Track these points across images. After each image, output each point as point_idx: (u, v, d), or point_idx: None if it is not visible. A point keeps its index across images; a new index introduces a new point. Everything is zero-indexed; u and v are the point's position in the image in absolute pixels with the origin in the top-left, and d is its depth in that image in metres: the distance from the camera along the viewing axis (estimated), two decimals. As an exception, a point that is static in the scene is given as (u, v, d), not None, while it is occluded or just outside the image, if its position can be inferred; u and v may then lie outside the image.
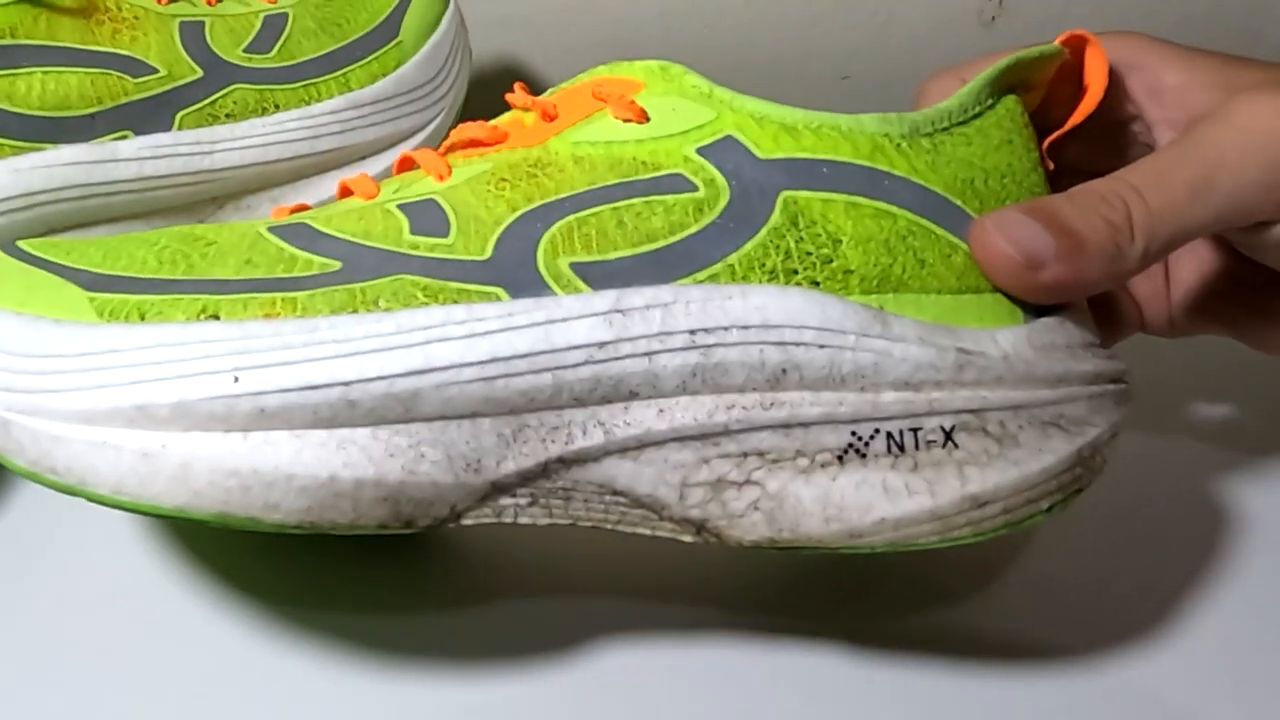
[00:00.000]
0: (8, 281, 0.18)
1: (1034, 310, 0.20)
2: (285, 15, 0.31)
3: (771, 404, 0.18)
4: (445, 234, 0.19)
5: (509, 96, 0.22)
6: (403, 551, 0.24)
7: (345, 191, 0.22)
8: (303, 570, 0.23)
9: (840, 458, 0.18)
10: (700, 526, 0.19)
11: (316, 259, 0.18)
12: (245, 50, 0.30)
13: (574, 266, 0.18)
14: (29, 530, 0.24)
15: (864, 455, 0.18)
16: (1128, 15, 0.45)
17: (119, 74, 0.27)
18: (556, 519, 0.19)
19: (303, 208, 0.22)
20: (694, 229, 0.19)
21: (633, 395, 0.18)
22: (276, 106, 0.30)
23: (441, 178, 0.20)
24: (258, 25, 0.31)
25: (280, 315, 0.17)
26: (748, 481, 0.18)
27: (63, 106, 0.26)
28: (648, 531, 0.19)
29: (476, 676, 0.21)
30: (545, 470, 0.18)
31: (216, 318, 0.17)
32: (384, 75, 0.32)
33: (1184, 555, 0.25)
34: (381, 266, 0.18)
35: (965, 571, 0.24)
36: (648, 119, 0.20)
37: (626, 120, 0.20)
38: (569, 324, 0.18)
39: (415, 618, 0.23)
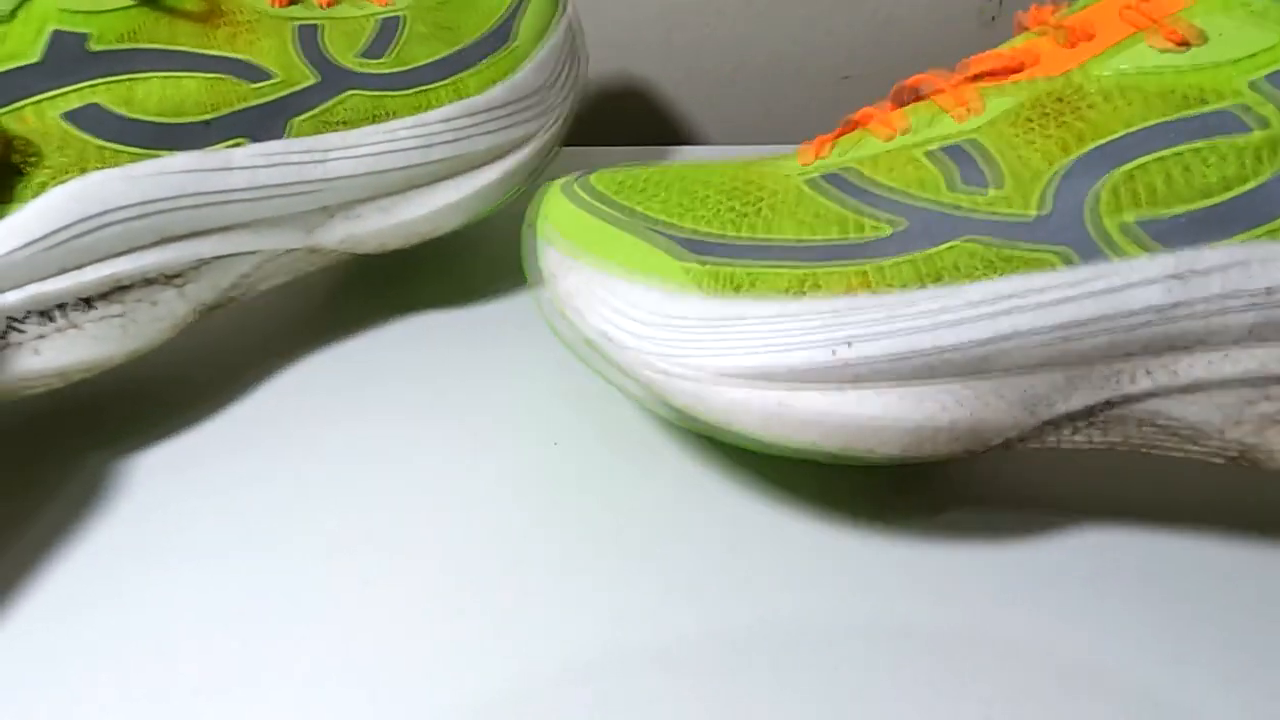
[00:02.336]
0: (618, 244, 0.21)
1: None
2: (399, 19, 0.30)
3: None
4: (997, 184, 0.19)
5: (1020, 15, 0.21)
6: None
7: (852, 125, 0.22)
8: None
9: None
10: (1241, 454, 0.19)
11: (873, 221, 0.19)
12: (360, 55, 0.29)
13: (1136, 224, 0.18)
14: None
15: None
16: (1122, 14, 0.48)
17: (235, 79, 0.26)
18: (1095, 445, 0.20)
19: (823, 143, 0.22)
20: (1265, 176, 0.17)
21: (1187, 350, 0.18)
22: (390, 114, 0.29)
23: (968, 113, 0.20)
24: (372, 29, 0.30)
25: (873, 288, 0.19)
26: None
27: (179, 113, 0.25)
28: (1180, 454, 0.20)
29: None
30: (1092, 411, 0.19)
31: (818, 289, 0.19)
32: (497, 81, 0.31)
33: (1187, 553, 0.23)
34: (941, 229, 0.19)
35: (964, 562, 0.23)
36: (1189, 44, 0.18)
37: (1166, 47, 0.18)
38: (1132, 291, 0.18)
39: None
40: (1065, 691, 0.20)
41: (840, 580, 0.22)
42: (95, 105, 0.24)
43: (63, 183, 0.24)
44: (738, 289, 0.20)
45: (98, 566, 0.23)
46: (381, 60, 0.29)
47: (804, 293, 0.19)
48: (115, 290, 0.25)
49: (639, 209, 0.22)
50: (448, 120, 0.29)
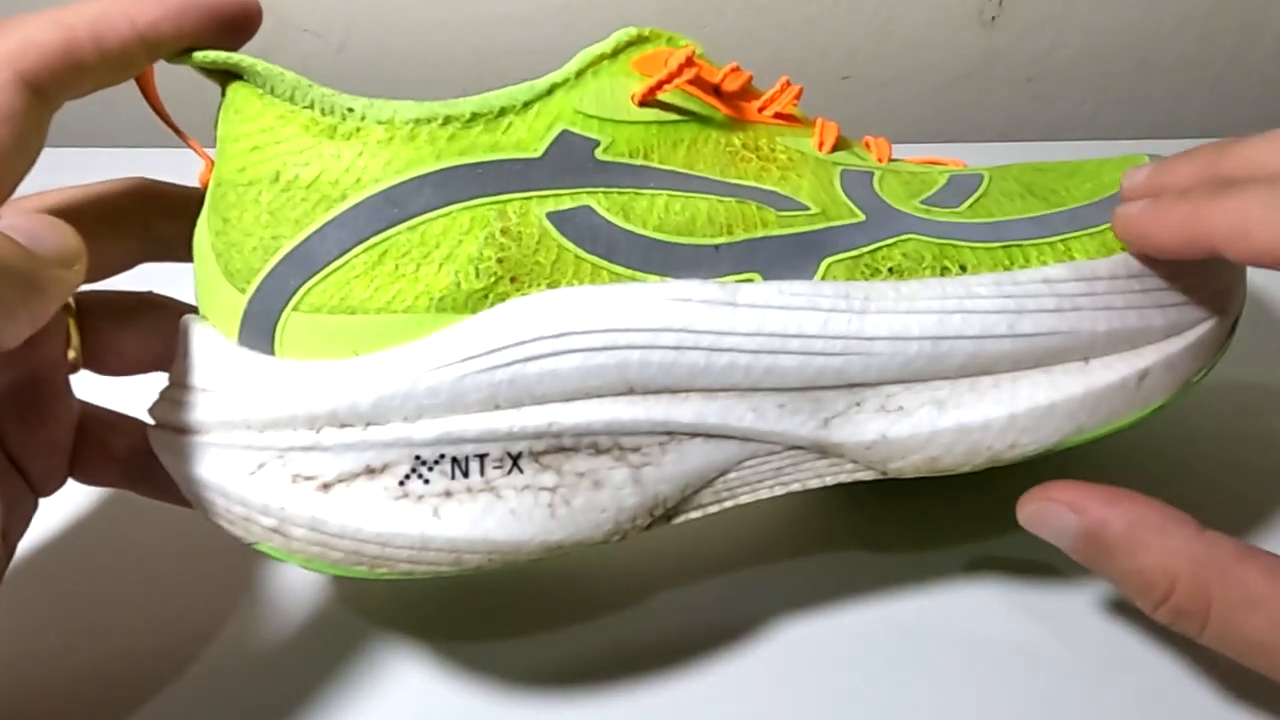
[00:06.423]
0: None
1: None
2: (979, 176, 0.22)
3: None
4: None
5: None
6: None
7: None
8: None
9: None
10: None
11: None
12: (924, 201, 0.21)
13: None
14: None
15: None
16: (1127, 15, 0.44)
17: (759, 205, 0.20)
18: None
19: None
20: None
21: None
22: (965, 267, 0.19)
23: None
24: (940, 182, 0.22)
25: None
26: None
27: (685, 231, 0.19)
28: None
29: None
30: None
31: None
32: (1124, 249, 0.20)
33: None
34: None
35: (963, 566, 0.22)
36: None
37: None
38: None
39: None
40: (1067, 692, 0.20)
41: (840, 581, 0.21)
42: (588, 209, 0.19)
43: (525, 294, 0.18)
44: None
45: None
46: (954, 209, 0.21)
47: None
48: (554, 452, 0.18)
49: None
50: (1050, 282, 0.19)
